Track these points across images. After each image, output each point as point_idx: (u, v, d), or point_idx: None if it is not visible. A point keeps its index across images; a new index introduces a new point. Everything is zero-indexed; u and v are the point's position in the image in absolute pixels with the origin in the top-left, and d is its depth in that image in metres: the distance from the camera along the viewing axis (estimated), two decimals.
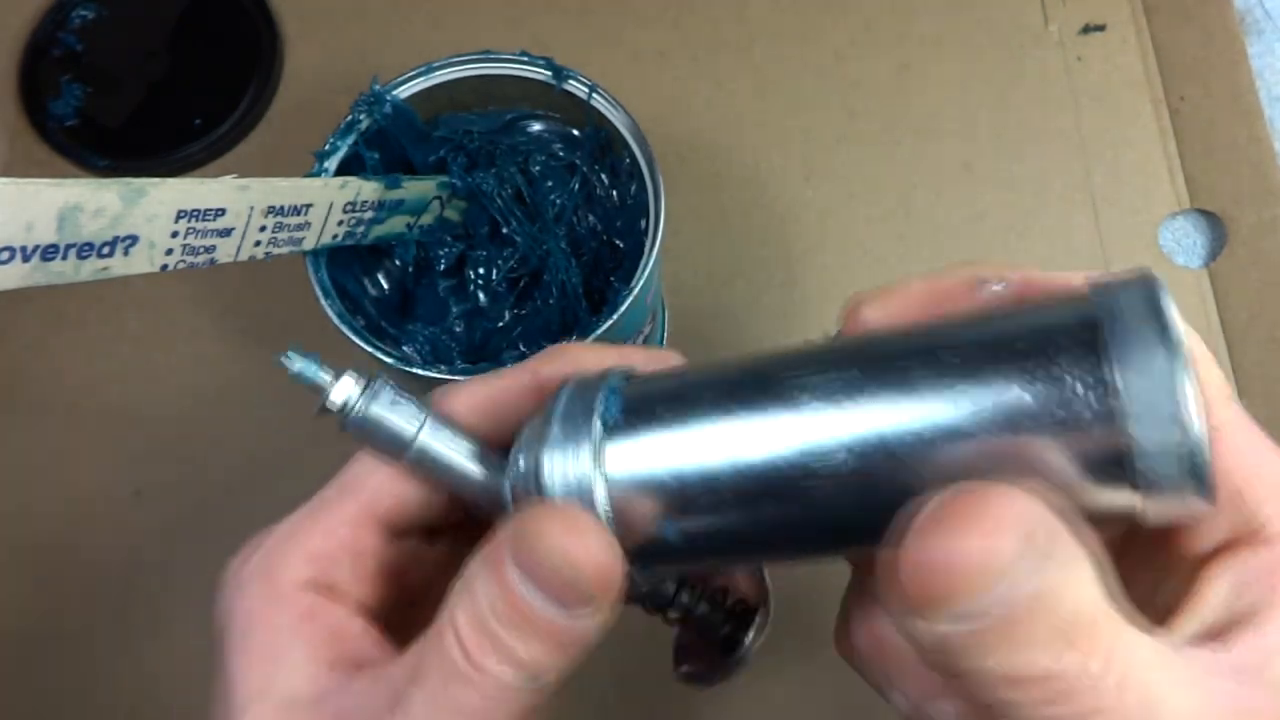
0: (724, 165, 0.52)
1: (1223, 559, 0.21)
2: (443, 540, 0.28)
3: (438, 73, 0.39)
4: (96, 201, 0.27)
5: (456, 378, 0.35)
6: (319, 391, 0.25)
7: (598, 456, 0.23)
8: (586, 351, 0.26)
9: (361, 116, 0.38)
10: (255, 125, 0.53)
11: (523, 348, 0.37)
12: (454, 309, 0.40)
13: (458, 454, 0.25)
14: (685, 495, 0.22)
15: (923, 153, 0.51)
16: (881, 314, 0.24)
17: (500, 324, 0.41)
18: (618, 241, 0.41)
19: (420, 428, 0.25)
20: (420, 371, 0.35)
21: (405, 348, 0.39)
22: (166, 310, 0.50)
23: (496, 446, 0.26)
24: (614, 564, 0.21)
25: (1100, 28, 0.54)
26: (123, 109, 0.53)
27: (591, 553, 0.21)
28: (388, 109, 0.39)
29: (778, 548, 0.23)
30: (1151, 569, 0.23)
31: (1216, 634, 0.21)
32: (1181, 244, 0.51)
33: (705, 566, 0.27)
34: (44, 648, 0.45)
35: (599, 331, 0.35)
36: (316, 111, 0.50)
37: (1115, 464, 0.19)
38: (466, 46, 0.40)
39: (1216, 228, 0.50)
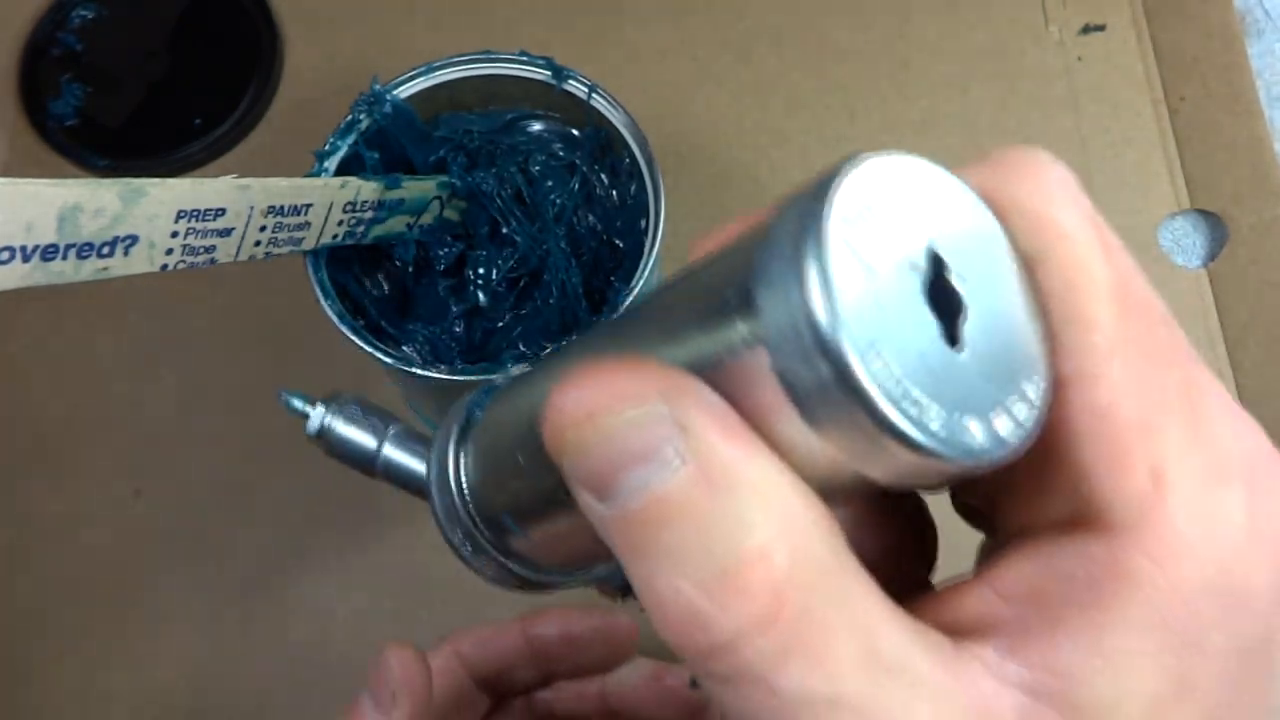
0: (724, 165, 0.52)
1: (1040, 541, 0.16)
2: None
3: (438, 73, 0.39)
4: (96, 201, 0.27)
5: (456, 378, 0.35)
6: (305, 418, 0.29)
7: (462, 433, 0.25)
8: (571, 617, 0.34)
9: (361, 116, 0.38)
10: (255, 125, 0.53)
11: (522, 347, 0.37)
12: (454, 309, 0.40)
13: (417, 462, 0.29)
14: (497, 466, 0.24)
15: (923, 153, 0.51)
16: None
17: (500, 324, 0.41)
18: (618, 241, 0.41)
19: (383, 440, 0.29)
20: (420, 371, 0.35)
21: (405, 347, 0.39)
22: (166, 310, 0.50)
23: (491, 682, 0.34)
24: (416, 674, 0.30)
25: (1100, 28, 0.54)
26: (123, 109, 0.53)
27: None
28: (388, 109, 0.39)
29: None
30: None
31: (1008, 633, 0.16)
32: (1181, 244, 0.51)
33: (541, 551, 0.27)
34: (44, 648, 0.45)
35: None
36: (316, 111, 0.50)
37: (779, 398, 0.15)
38: (466, 47, 0.40)
39: (1216, 228, 0.50)
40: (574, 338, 0.27)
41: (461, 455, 0.25)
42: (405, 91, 0.39)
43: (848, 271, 0.15)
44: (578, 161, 0.41)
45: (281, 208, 0.33)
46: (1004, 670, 0.15)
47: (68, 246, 0.27)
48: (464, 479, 0.25)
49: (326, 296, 0.36)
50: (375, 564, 0.46)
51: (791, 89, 0.53)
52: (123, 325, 0.50)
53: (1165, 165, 0.51)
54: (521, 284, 0.41)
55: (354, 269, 0.40)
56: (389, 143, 0.40)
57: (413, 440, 0.29)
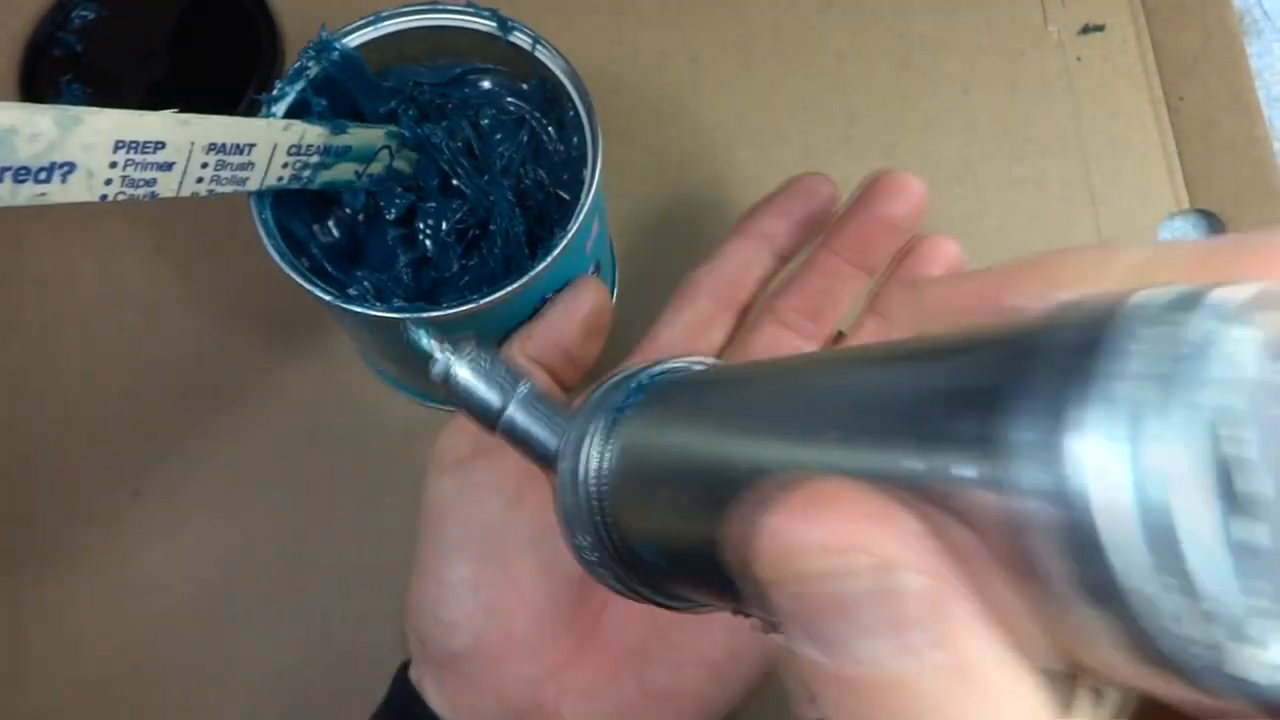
0: (724, 166, 0.52)
1: None
2: None
3: (385, 23, 0.40)
4: (32, 126, 0.28)
5: (393, 315, 0.36)
6: (430, 360, 0.28)
7: (606, 436, 0.24)
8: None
9: (310, 64, 0.39)
10: None
11: (468, 296, 0.38)
12: (402, 258, 0.41)
13: (541, 432, 0.27)
14: (655, 486, 0.22)
15: (923, 153, 0.52)
16: (937, 302, 0.18)
17: (448, 274, 0.41)
18: (563, 194, 0.42)
19: (509, 400, 0.27)
20: (354, 308, 0.36)
21: (350, 290, 0.40)
22: (166, 310, 0.50)
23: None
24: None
25: (1100, 28, 0.54)
26: (123, 109, 0.53)
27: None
28: (335, 56, 0.39)
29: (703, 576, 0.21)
30: None
31: None
32: None
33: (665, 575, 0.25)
34: (44, 648, 0.45)
35: (534, 272, 0.36)
36: None
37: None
38: None
39: (1216, 228, 0.50)
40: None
41: (604, 458, 0.23)
42: (354, 41, 0.40)
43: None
44: (527, 115, 0.42)
45: (224, 145, 0.33)
46: None
47: (3, 169, 0.27)
48: (604, 486, 0.23)
49: (269, 236, 0.37)
50: (375, 564, 0.46)
51: (791, 89, 0.53)
52: (123, 325, 0.50)
53: (1165, 165, 0.51)
54: (470, 235, 0.41)
55: (303, 214, 0.40)
56: (339, 92, 0.40)
57: (543, 405, 0.28)
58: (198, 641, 0.45)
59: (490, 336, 0.39)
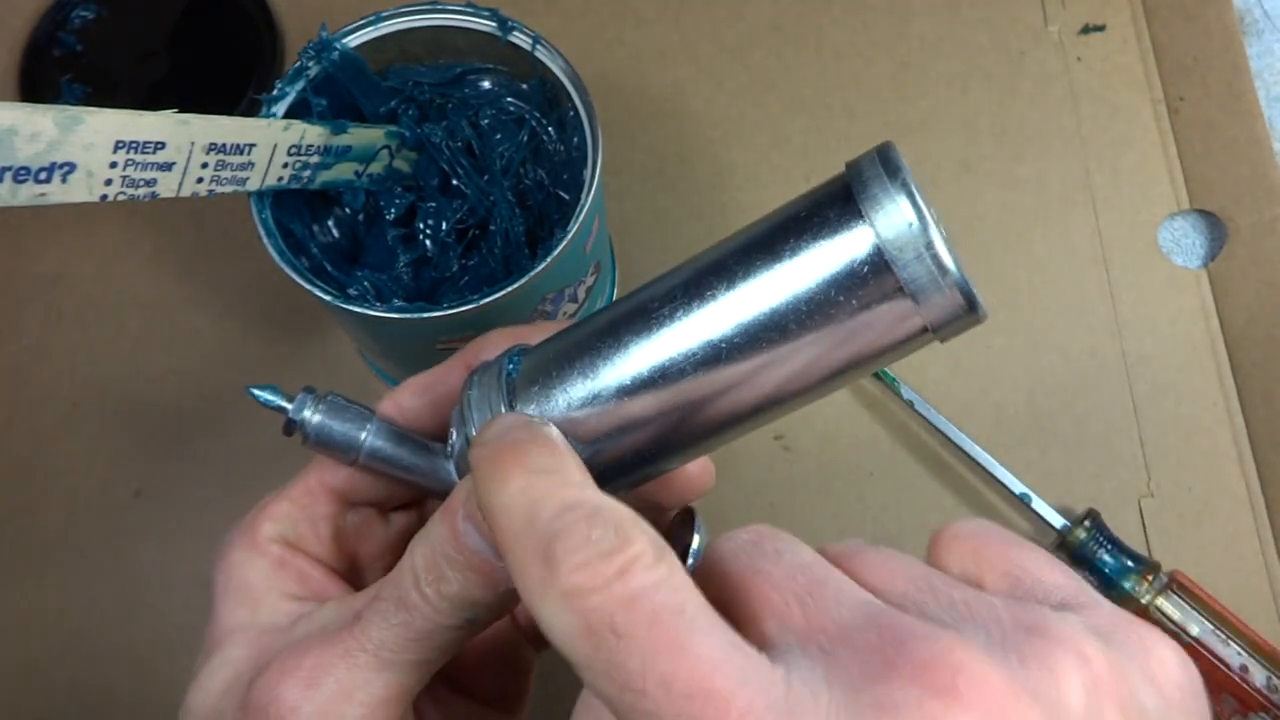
0: (724, 166, 0.52)
1: None
2: (394, 519, 0.32)
3: (386, 23, 0.40)
4: (32, 126, 0.28)
5: (393, 315, 0.36)
6: (283, 413, 0.29)
7: (502, 393, 0.26)
8: (502, 333, 0.31)
9: (310, 63, 0.39)
10: None
11: (468, 296, 0.38)
12: (402, 258, 0.41)
13: (403, 451, 0.29)
14: (582, 423, 0.25)
15: (923, 153, 0.52)
16: None
17: (448, 274, 0.41)
18: (563, 194, 0.42)
19: (366, 433, 0.29)
20: (356, 309, 0.36)
21: (350, 291, 0.40)
22: (166, 310, 0.50)
23: (441, 437, 0.30)
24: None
25: (1100, 28, 0.54)
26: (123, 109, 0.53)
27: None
28: (335, 56, 0.39)
29: (662, 449, 0.26)
30: None
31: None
32: (1181, 244, 0.51)
33: (617, 486, 0.29)
34: (44, 648, 0.45)
35: (534, 272, 0.36)
36: None
37: (888, 287, 0.22)
38: None
39: (1216, 228, 0.50)
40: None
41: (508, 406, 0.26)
42: (354, 40, 0.40)
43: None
44: (527, 115, 0.42)
45: (224, 145, 0.33)
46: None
47: (3, 169, 0.27)
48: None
49: (269, 236, 0.37)
50: None
51: (791, 89, 0.53)
52: (122, 325, 0.50)
53: (1165, 165, 0.51)
54: (470, 235, 0.41)
55: (303, 215, 0.40)
56: (339, 92, 0.40)
57: (397, 430, 0.30)
58: (198, 641, 0.45)
59: None
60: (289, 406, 0.29)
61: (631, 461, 0.26)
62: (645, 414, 0.24)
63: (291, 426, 0.29)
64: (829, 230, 0.22)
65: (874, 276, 0.22)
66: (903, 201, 0.22)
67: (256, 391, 0.29)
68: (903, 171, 0.22)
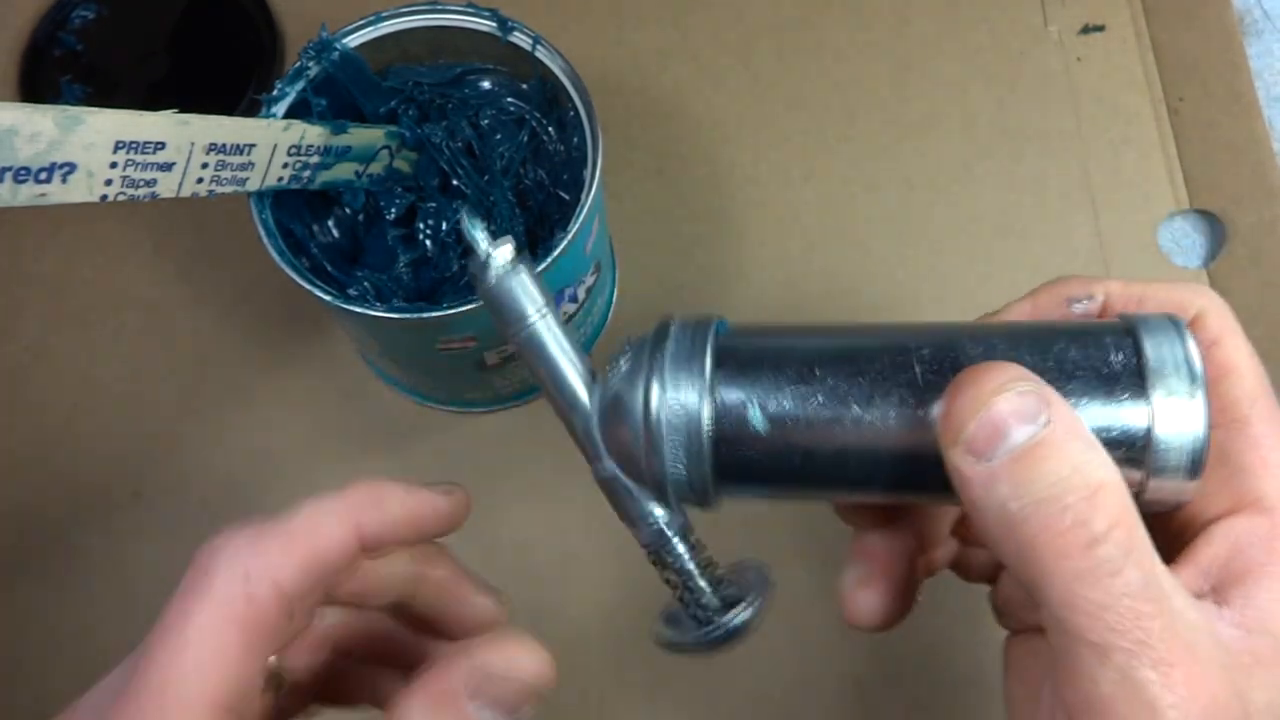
0: (724, 166, 0.52)
1: (1222, 523, 0.25)
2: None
3: (386, 23, 0.40)
4: (32, 126, 0.28)
5: (393, 315, 0.36)
6: (475, 248, 0.27)
7: (710, 383, 0.26)
8: (393, 494, 0.27)
9: (310, 64, 0.39)
10: None
11: (469, 296, 0.38)
12: (402, 258, 0.41)
13: (561, 351, 0.28)
14: (778, 423, 0.26)
15: (923, 153, 0.52)
16: None
17: (448, 274, 0.41)
18: (563, 194, 0.42)
19: (539, 314, 0.27)
20: (356, 309, 0.36)
21: (350, 291, 0.40)
22: (166, 310, 0.50)
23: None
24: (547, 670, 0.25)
25: (1100, 28, 0.54)
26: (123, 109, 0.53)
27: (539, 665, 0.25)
28: (335, 56, 0.39)
29: (847, 476, 0.26)
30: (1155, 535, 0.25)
31: (1213, 589, 0.24)
32: (1181, 244, 0.51)
33: (782, 494, 0.30)
34: (44, 648, 0.45)
35: (536, 271, 0.35)
36: None
37: (1137, 449, 0.24)
38: None
39: (1216, 228, 0.50)
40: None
41: (714, 391, 0.26)
42: (354, 41, 0.40)
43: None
44: (527, 115, 0.42)
45: (224, 146, 0.33)
46: (1221, 614, 0.23)
47: (3, 169, 0.27)
48: (713, 422, 0.26)
49: (269, 236, 0.37)
50: None
51: (791, 89, 0.53)
52: (122, 325, 0.50)
53: (1165, 165, 0.51)
54: None
55: (303, 215, 0.40)
56: (339, 92, 0.40)
57: (568, 330, 0.28)
58: None
59: (491, 336, 0.39)
60: (481, 250, 0.27)
61: (784, 479, 0.26)
62: (831, 446, 0.25)
63: (474, 265, 0.27)
64: (1116, 400, 0.24)
65: (1127, 450, 0.24)
66: (1199, 411, 0.23)
67: (462, 217, 0.28)
68: (1200, 374, 0.24)
